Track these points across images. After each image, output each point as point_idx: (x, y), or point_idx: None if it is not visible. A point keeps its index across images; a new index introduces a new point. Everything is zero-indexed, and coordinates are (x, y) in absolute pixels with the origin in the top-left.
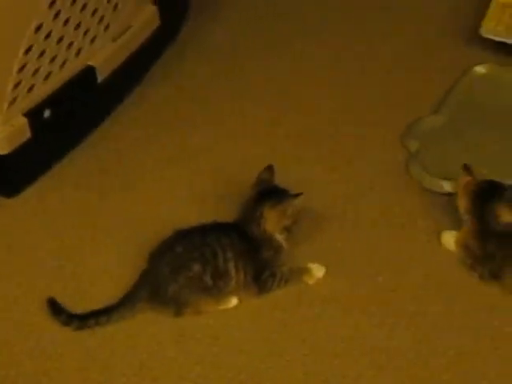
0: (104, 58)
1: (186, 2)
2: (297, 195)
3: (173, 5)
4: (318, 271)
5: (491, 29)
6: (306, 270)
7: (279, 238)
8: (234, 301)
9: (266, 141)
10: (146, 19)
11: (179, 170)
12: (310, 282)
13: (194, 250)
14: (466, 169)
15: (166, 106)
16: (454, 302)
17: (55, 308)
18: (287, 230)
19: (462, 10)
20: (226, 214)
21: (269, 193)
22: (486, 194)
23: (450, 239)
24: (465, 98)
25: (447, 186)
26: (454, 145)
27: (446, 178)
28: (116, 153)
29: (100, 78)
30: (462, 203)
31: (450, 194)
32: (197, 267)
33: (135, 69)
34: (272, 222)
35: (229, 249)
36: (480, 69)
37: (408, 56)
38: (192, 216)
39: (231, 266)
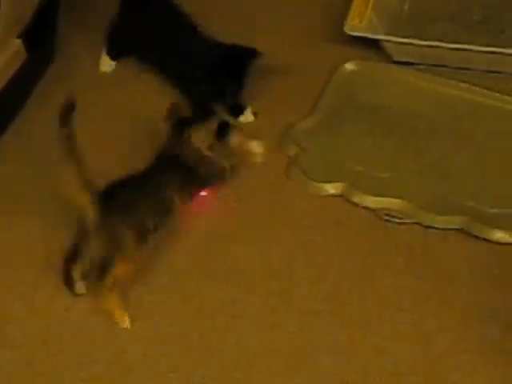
0: None
1: (53, 33)
2: None
3: (39, 37)
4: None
5: (355, 25)
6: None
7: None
8: (126, 321)
9: None
10: (11, 53)
11: None
12: (258, 160)
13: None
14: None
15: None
16: None
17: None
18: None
19: (332, 7)
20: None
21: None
22: None
23: None
24: (337, 96)
25: (329, 189)
26: (330, 145)
27: (326, 181)
28: None
29: None
30: None
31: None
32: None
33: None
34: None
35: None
36: (349, 66)
37: (279, 56)
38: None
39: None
